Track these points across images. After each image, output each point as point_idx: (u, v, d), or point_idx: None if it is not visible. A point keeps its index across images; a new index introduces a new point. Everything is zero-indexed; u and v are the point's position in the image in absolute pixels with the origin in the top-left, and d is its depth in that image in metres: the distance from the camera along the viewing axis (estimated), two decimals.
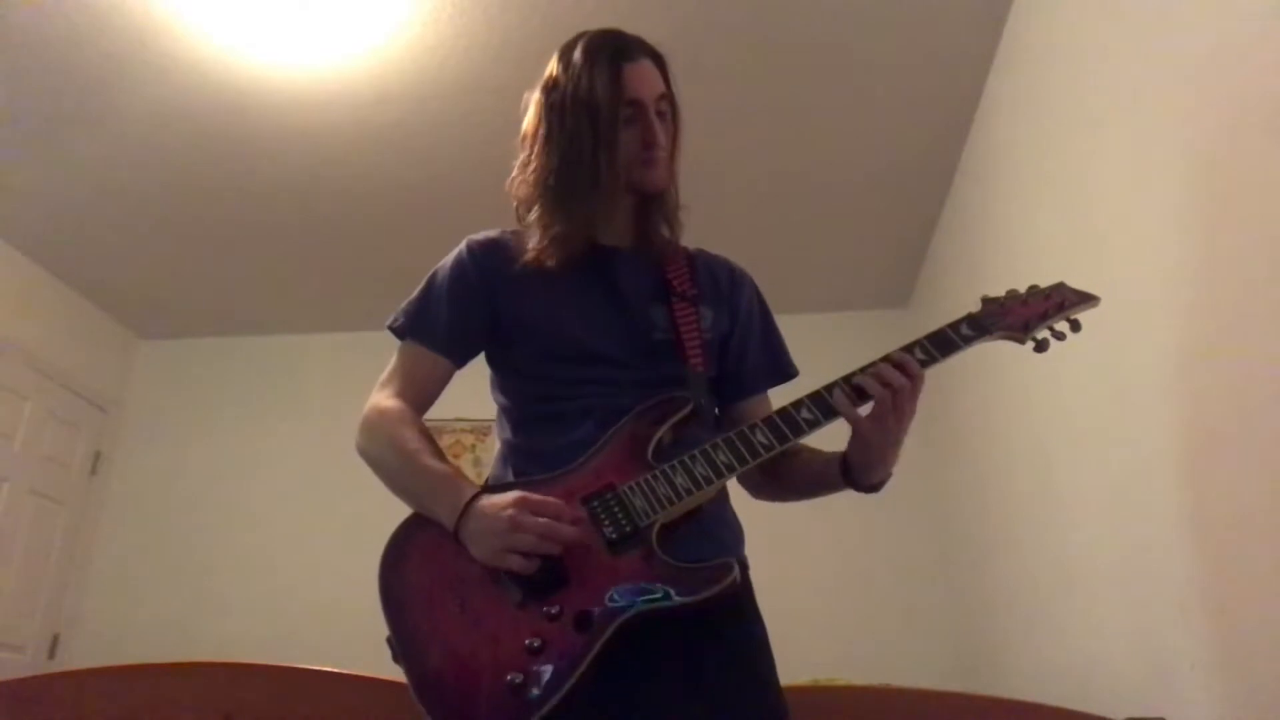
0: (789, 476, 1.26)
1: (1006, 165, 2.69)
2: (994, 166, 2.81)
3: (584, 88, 1.21)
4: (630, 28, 1.30)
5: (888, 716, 1.75)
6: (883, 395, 1.08)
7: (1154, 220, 1.73)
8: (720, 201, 3.28)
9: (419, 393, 1.24)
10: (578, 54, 1.24)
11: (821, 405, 1.10)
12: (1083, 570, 2.18)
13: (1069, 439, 2.24)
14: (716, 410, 1.33)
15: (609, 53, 1.23)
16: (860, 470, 1.14)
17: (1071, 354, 2.08)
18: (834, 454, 1.19)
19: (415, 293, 1.30)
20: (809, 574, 3.55)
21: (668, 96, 1.27)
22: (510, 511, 1.01)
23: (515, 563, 1.00)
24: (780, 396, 1.21)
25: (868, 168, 3.21)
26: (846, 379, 1.11)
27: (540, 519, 1.01)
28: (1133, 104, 1.81)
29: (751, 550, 1.22)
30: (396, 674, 1.03)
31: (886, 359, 1.11)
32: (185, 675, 1.81)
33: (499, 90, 2.77)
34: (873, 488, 1.16)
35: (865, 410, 1.10)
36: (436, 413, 1.28)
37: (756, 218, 3.46)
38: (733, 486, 1.21)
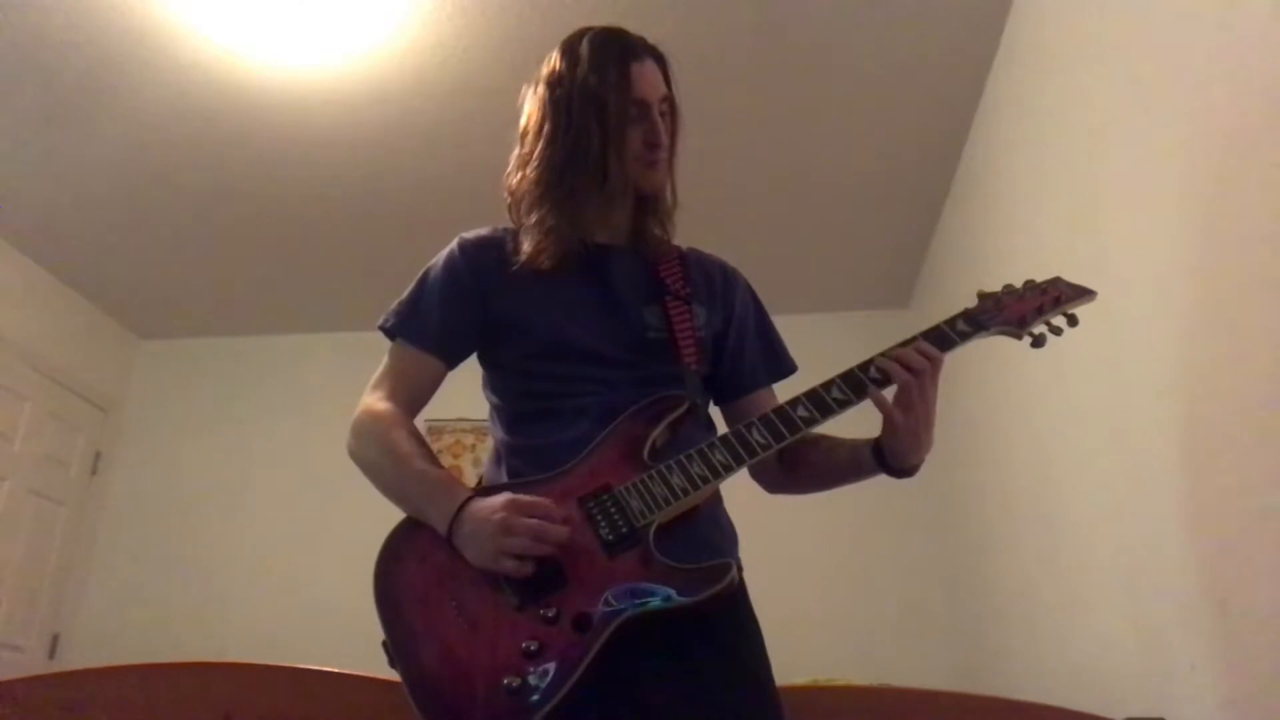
0: (812, 467, 1.26)
1: (1006, 165, 2.68)
2: (994, 166, 2.81)
3: (592, 84, 1.20)
4: (631, 28, 1.30)
5: (888, 716, 1.74)
6: (906, 379, 1.08)
7: (1155, 220, 1.72)
8: (720, 201, 3.27)
9: (410, 394, 1.23)
10: (584, 50, 1.24)
11: (818, 402, 1.10)
12: (1083, 570, 2.18)
13: (1069, 439, 2.24)
14: (717, 408, 1.33)
15: (617, 51, 1.23)
16: (894, 454, 1.13)
17: (1073, 354, 2.09)
18: (862, 440, 1.18)
19: (406, 292, 1.28)
20: (809, 574, 3.55)
21: (669, 98, 1.27)
22: (500, 515, 1.01)
23: (509, 566, 0.99)
24: (781, 393, 1.21)
25: (868, 168, 3.20)
26: (845, 375, 1.11)
27: (530, 520, 1.00)
28: (1133, 103, 1.81)
29: (751, 550, 1.21)
30: (396, 674, 1.02)
31: (889, 351, 1.11)
32: (185, 675, 1.80)
33: (498, 90, 2.75)
34: (906, 471, 1.15)
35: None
36: (437, 412, 1.28)
37: (756, 218, 3.46)
38: (732, 488, 1.21)
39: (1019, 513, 2.69)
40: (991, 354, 2.79)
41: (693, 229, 1.36)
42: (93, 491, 4.13)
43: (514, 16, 2.56)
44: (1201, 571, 1.58)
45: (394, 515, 1.13)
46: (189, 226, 3.56)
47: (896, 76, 2.77)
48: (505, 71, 2.71)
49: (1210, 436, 1.54)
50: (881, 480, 1.20)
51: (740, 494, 1.27)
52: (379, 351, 1.28)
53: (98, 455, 4.18)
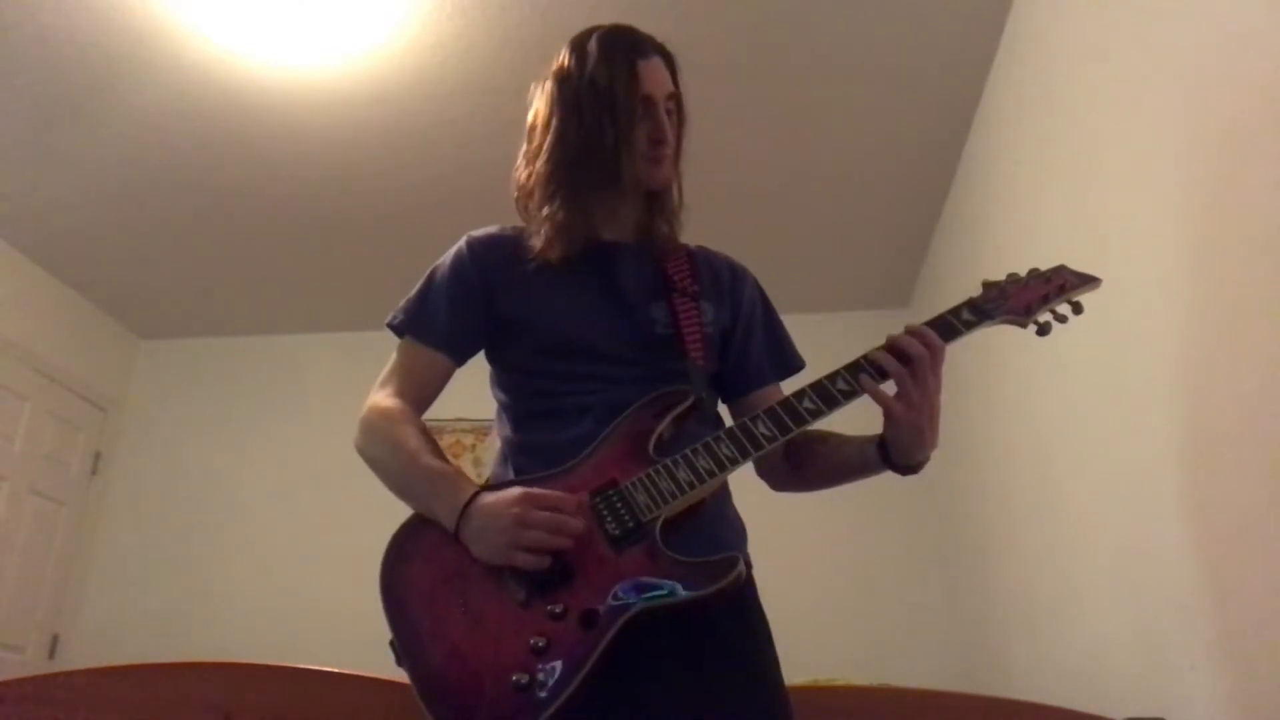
0: (818, 464, 1.25)
1: (1006, 165, 2.69)
2: (994, 166, 2.81)
3: (602, 81, 1.21)
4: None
5: (888, 716, 1.74)
6: (899, 370, 1.07)
7: (1155, 219, 1.73)
8: (721, 201, 3.27)
9: (418, 391, 1.23)
10: (593, 47, 1.25)
11: (823, 394, 1.09)
12: (1083, 570, 2.18)
13: (1069, 438, 2.24)
14: (725, 405, 1.33)
15: (625, 48, 1.24)
16: (898, 450, 1.11)
17: (1073, 353, 2.09)
18: (868, 437, 1.16)
19: (414, 290, 1.29)
20: (809, 574, 3.54)
21: (675, 96, 1.27)
22: (516, 509, 1.01)
23: (525, 560, 0.99)
24: (788, 389, 1.20)
25: (868, 168, 3.21)
26: (849, 366, 1.10)
27: (546, 514, 1.00)
28: (1133, 103, 1.82)
29: (752, 549, 1.21)
30: (398, 674, 1.02)
31: (888, 340, 1.10)
32: (185, 675, 1.81)
33: (499, 90, 2.77)
34: (911, 468, 1.13)
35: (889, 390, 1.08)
36: (437, 412, 1.28)
37: (756, 217, 3.46)
38: (740, 485, 1.21)
39: (1019, 513, 2.69)
40: (991, 352, 2.80)
41: (693, 229, 1.36)
42: (93, 491, 4.13)
43: (514, 16, 2.56)
44: (1201, 571, 1.58)
45: (394, 514, 1.13)
46: (189, 226, 3.56)
47: (896, 76, 2.77)
48: (505, 71, 2.71)
49: (1210, 436, 1.54)
50: (881, 479, 1.19)
51: (740, 494, 1.27)
52: (379, 351, 1.28)
53: (98, 455, 4.18)
